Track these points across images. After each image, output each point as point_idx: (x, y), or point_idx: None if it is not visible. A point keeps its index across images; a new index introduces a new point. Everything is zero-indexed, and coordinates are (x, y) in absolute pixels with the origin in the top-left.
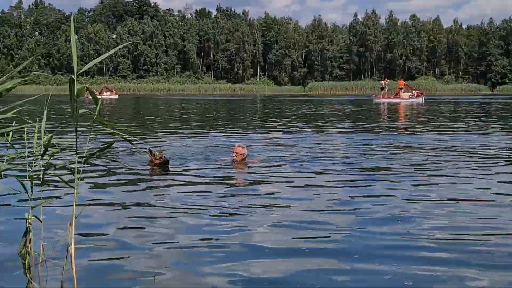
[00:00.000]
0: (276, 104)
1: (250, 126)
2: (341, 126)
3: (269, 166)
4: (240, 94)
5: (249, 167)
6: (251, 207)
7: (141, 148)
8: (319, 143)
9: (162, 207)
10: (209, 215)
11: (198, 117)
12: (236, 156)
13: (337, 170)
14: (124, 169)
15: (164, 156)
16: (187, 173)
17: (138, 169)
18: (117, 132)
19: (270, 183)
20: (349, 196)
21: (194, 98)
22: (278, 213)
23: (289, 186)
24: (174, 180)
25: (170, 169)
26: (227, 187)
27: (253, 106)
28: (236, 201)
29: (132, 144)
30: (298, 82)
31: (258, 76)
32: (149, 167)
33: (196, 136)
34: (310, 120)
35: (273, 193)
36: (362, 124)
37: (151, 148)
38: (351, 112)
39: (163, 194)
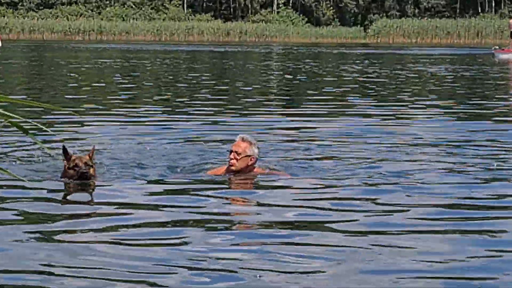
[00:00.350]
0: (310, 61)
1: (262, 104)
2: (437, 103)
3: (300, 186)
4: (240, 42)
5: (258, 185)
6: (260, 271)
7: (46, 145)
8: (395, 137)
9: (74, 275)
10: None
11: (159, 86)
12: (235, 161)
13: (439, 192)
14: (14, 185)
15: (87, 163)
16: (134, 198)
17: (41, 187)
18: (2, 112)
19: (302, 224)
20: (459, 242)
21: (151, 48)
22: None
23: (340, 231)
24: (106, 215)
25: (102, 188)
26: (214, 230)
27: (267, 65)
28: (230, 256)
29: (28, 135)
30: (352, 20)
31: (275, 8)
32: (62, 183)
33: (155, 123)
34: (376, 93)
35: (309, 245)
36: (475, 102)
37: (66, 147)
38: (454, 77)
39: (80, 243)
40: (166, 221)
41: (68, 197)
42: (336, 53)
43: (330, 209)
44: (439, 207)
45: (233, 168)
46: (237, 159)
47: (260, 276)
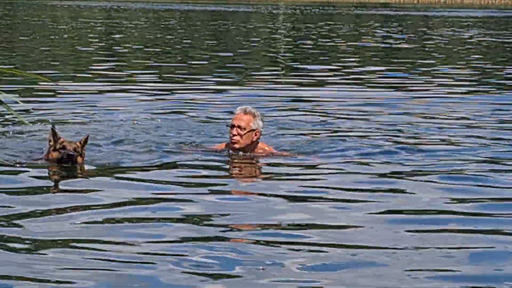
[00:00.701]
0: (323, 23)
1: (266, 72)
2: (469, 74)
3: (314, 171)
4: (241, 0)
5: (263, 171)
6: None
7: (27, 119)
8: (421, 112)
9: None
10: None
11: (148, 51)
12: (239, 137)
13: (472, 179)
14: None
15: (76, 149)
16: (121, 187)
17: (19, 171)
18: None
19: (315, 219)
20: None
21: (139, 7)
22: None
23: (359, 228)
24: (92, 208)
25: (87, 174)
26: (215, 226)
27: (273, 28)
28: (231, 253)
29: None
30: None
31: None
32: (44, 164)
33: (144, 94)
34: (399, 61)
35: (321, 245)
36: None
37: (54, 127)
38: (488, 44)
39: (62, 240)
40: (158, 217)
41: (53, 184)
42: (352, 15)
43: (348, 201)
44: (474, 201)
45: (236, 146)
46: (241, 135)
47: (263, 269)
